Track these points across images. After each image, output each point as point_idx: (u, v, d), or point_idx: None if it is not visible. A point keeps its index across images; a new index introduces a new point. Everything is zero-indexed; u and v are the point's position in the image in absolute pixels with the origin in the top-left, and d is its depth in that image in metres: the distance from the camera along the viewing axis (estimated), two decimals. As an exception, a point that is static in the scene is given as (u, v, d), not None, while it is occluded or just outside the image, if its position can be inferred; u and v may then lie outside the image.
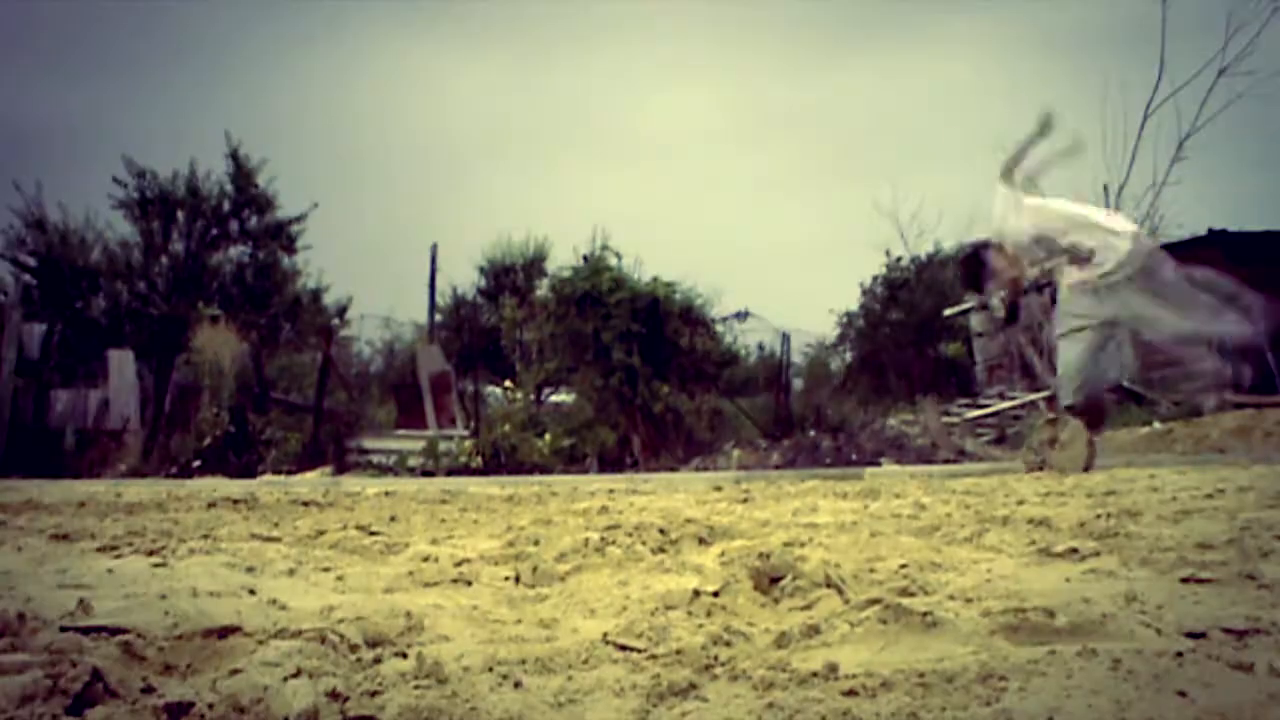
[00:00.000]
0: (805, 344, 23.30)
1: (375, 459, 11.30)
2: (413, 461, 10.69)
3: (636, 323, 10.94)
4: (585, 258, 11.83)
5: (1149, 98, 14.84)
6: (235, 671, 1.19)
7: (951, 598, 1.61)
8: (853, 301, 22.42)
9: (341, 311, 19.74)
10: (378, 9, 45.67)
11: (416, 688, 1.12)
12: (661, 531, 2.55)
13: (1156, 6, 14.69)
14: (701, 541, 2.47)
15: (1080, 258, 5.27)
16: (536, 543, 2.55)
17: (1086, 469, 5.34)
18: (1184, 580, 1.69)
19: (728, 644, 1.35)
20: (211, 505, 4.46)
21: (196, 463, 10.65)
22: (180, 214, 17.50)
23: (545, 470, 9.86)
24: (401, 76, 43.46)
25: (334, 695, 1.09)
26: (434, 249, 21.31)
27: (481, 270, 22.10)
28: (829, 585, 1.68)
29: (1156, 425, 10.85)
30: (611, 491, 5.26)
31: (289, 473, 10.22)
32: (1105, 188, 15.12)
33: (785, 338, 16.16)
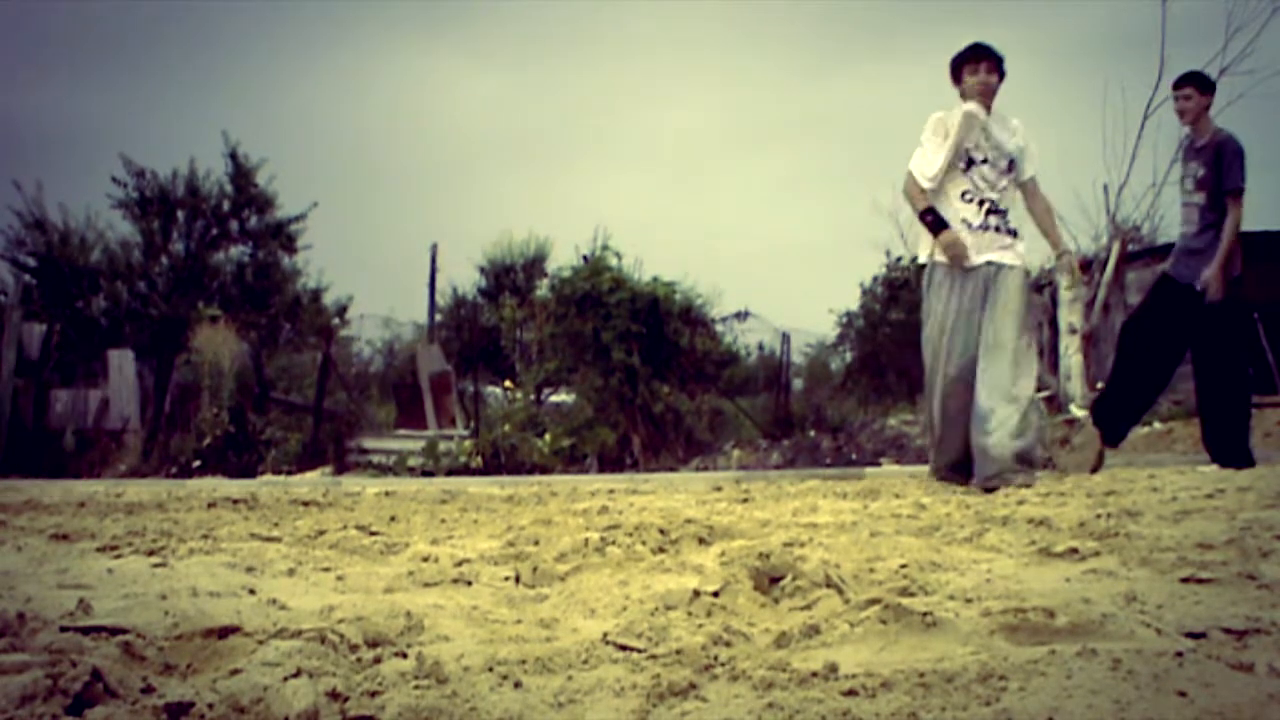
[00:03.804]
0: (805, 344, 23.33)
1: (375, 459, 11.30)
2: (413, 461, 10.70)
3: (636, 323, 10.95)
4: (585, 258, 11.84)
5: (1149, 98, 14.84)
6: (235, 671, 1.19)
7: (951, 598, 1.61)
8: (853, 301, 22.42)
9: (341, 311, 19.75)
10: (381, 13, 45.68)
11: (416, 688, 1.12)
12: (661, 531, 2.55)
13: (1156, 8, 14.67)
14: (701, 541, 2.47)
15: None
16: (536, 543, 2.55)
17: (1093, 471, 5.36)
18: (1184, 580, 1.69)
19: (728, 644, 1.35)
20: (211, 505, 4.46)
21: (196, 463, 10.66)
22: (180, 214, 17.51)
23: (545, 470, 9.86)
24: (404, 78, 43.51)
25: (334, 695, 1.09)
26: (434, 249, 21.32)
27: (482, 270, 22.13)
28: (829, 585, 1.68)
29: (1156, 425, 10.86)
30: (611, 491, 5.27)
31: (289, 473, 10.23)
32: (1105, 188, 15.13)
33: (785, 338, 16.18)
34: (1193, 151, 5.79)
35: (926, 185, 4.77)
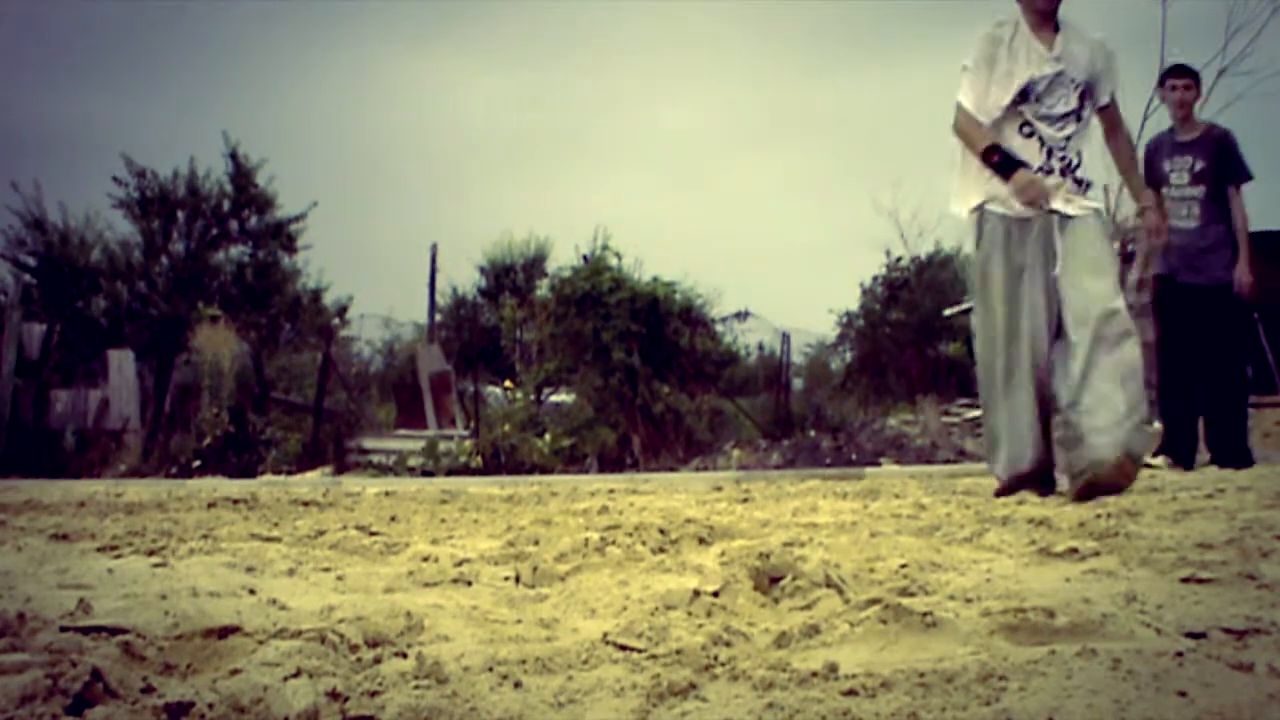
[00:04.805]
0: (805, 344, 23.33)
1: (375, 459, 11.30)
2: (413, 461, 10.69)
3: (636, 323, 10.95)
4: (585, 258, 11.84)
5: (1149, 98, 14.83)
6: (235, 671, 1.19)
7: (951, 598, 1.61)
8: (853, 301, 22.44)
9: (341, 311, 19.78)
10: (381, 13, 45.70)
11: (416, 688, 1.12)
12: (661, 531, 2.55)
13: (1156, 8, 14.65)
14: (701, 541, 2.47)
15: None
16: (536, 543, 2.55)
17: None
18: (1184, 580, 1.69)
19: (728, 644, 1.35)
20: (211, 505, 4.46)
21: (196, 463, 10.65)
22: (180, 214, 17.53)
23: (545, 470, 9.86)
24: (404, 78, 43.51)
25: (334, 695, 1.09)
26: (434, 249, 21.35)
27: (482, 270, 22.16)
28: (829, 585, 1.68)
29: (1157, 425, 10.83)
30: (611, 491, 5.26)
31: (289, 473, 10.22)
32: (1105, 188, 15.13)
33: (785, 338, 16.18)
34: (1179, 146, 5.74)
35: (983, 119, 3.79)
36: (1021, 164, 3.73)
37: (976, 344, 4.01)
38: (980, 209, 3.88)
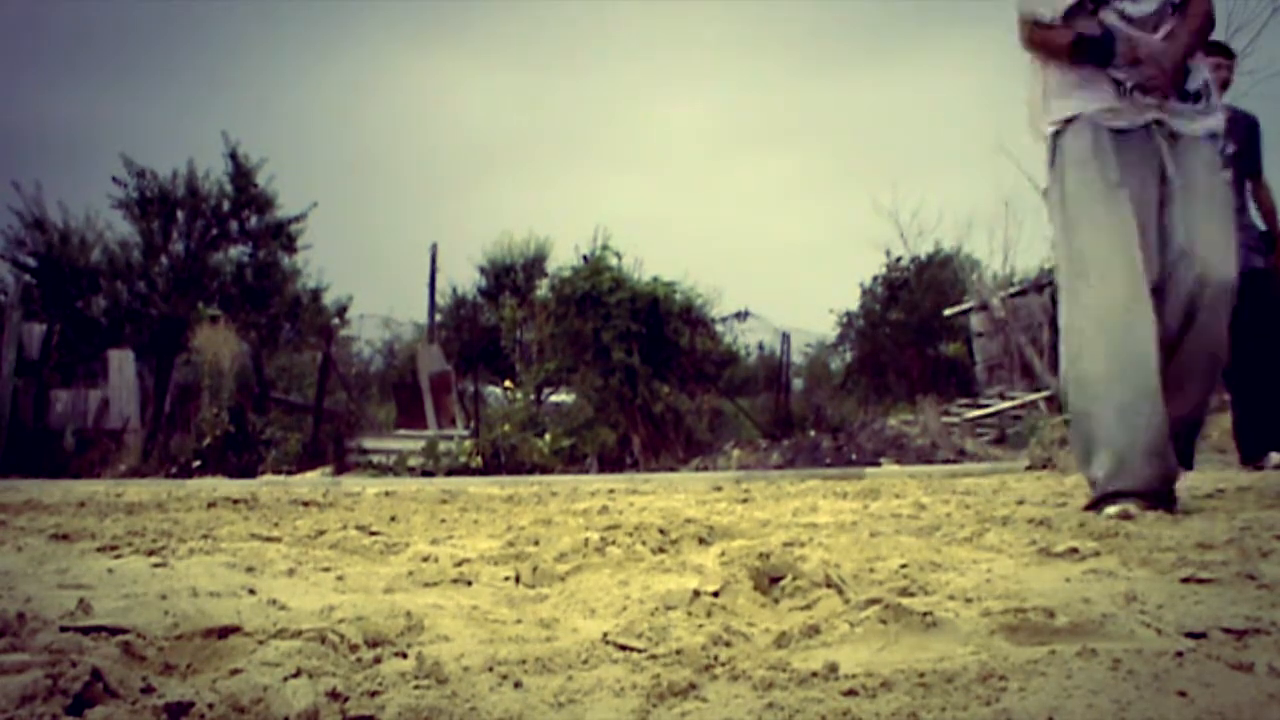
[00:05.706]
0: (805, 344, 23.33)
1: (375, 459, 11.30)
2: (413, 461, 10.69)
3: (636, 323, 10.95)
4: (585, 258, 11.84)
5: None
6: (235, 671, 1.19)
7: (951, 598, 1.61)
8: (853, 301, 22.45)
9: (341, 311, 19.80)
10: (382, 13, 45.71)
11: (416, 688, 1.12)
12: (661, 531, 2.55)
13: (1157, 6, 14.62)
14: (702, 541, 2.47)
15: None
16: (536, 543, 2.55)
17: None
18: (1184, 580, 1.69)
19: (728, 644, 1.35)
20: (211, 505, 4.46)
21: (196, 463, 10.66)
22: (180, 214, 17.53)
23: (545, 470, 9.86)
24: (404, 78, 43.52)
25: (334, 695, 1.09)
26: (434, 248, 21.34)
27: (482, 270, 22.17)
28: (829, 585, 1.68)
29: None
30: (611, 491, 5.26)
31: (289, 473, 10.23)
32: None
33: (785, 338, 16.18)
34: None
35: (1047, 11, 3.01)
36: (1114, 41, 2.91)
37: (1061, 296, 3.15)
38: (1064, 123, 3.04)
